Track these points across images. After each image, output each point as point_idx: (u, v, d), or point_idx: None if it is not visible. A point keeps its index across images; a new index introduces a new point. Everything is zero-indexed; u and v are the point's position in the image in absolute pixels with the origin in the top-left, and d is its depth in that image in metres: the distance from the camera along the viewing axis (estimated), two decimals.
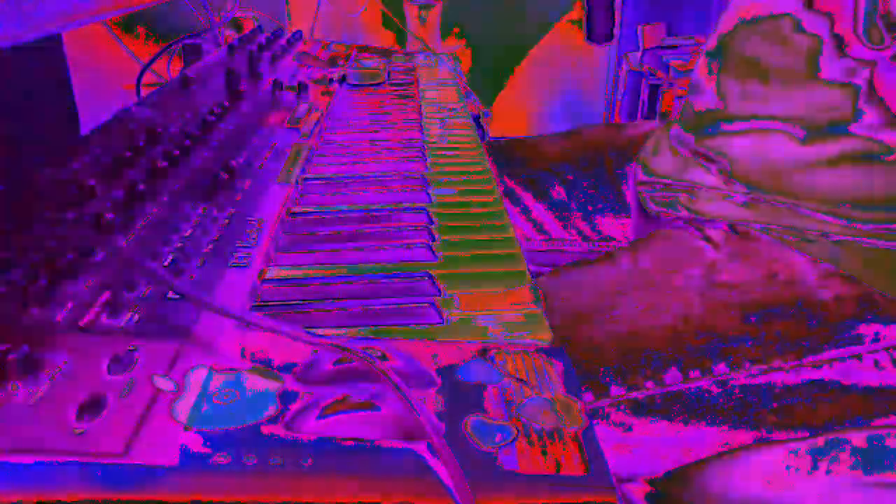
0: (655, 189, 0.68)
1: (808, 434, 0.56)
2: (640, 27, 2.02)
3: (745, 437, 0.57)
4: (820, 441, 0.55)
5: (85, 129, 0.66)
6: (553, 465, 0.29)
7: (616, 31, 2.02)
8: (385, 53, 1.13)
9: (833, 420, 0.56)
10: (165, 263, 0.44)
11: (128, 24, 1.05)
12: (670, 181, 0.66)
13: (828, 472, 0.54)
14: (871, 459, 0.54)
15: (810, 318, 0.55)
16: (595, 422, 0.31)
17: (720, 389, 0.56)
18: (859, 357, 0.55)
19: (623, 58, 2.05)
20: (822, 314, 0.55)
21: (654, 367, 0.56)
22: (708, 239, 0.60)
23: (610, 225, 0.80)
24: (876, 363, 0.55)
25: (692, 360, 0.56)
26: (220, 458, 0.28)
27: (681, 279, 0.58)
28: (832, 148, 0.57)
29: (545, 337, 0.39)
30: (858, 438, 0.55)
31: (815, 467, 0.54)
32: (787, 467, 0.55)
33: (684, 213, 0.64)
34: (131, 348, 0.34)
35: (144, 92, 0.89)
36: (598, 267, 0.64)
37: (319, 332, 0.35)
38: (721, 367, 0.56)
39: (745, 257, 0.58)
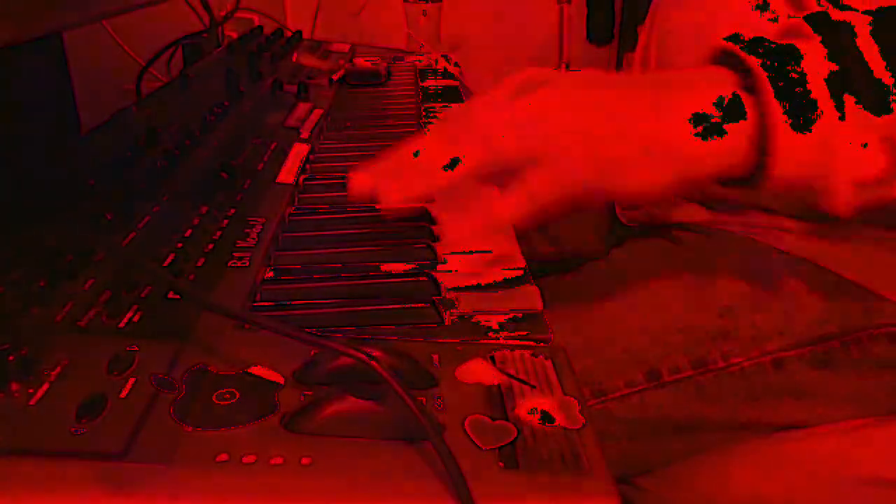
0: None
1: (792, 428, 0.56)
2: (640, 27, 2.02)
3: (731, 432, 0.57)
4: (803, 434, 0.55)
5: (85, 129, 0.66)
6: (553, 466, 0.29)
7: (616, 31, 2.02)
8: (385, 53, 1.13)
9: (817, 414, 0.56)
10: (165, 263, 0.44)
11: (128, 24, 1.05)
12: None
13: (815, 466, 0.54)
14: (852, 455, 0.54)
15: (783, 306, 0.56)
16: (592, 422, 0.31)
17: (704, 386, 0.56)
18: (835, 345, 0.55)
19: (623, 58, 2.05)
20: (794, 302, 0.56)
21: (638, 368, 0.56)
22: (679, 240, 0.61)
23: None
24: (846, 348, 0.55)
25: (674, 358, 0.56)
26: (220, 459, 0.28)
27: (656, 280, 0.59)
28: None
29: (545, 337, 0.39)
30: (840, 432, 0.55)
31: (801, 461, 0.54)
32: (775, 462, 0.55)
33: (654, 220, 0.65)
34: (131, 348, 0.34)
35: (144, 92, 0.89)
36: (575, 274, 0.64)
37: (319, 332, 0.35)
38: (703, 361, 0.56)
39: (714, 254, 0.59)
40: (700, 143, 0.41)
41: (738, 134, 0.41)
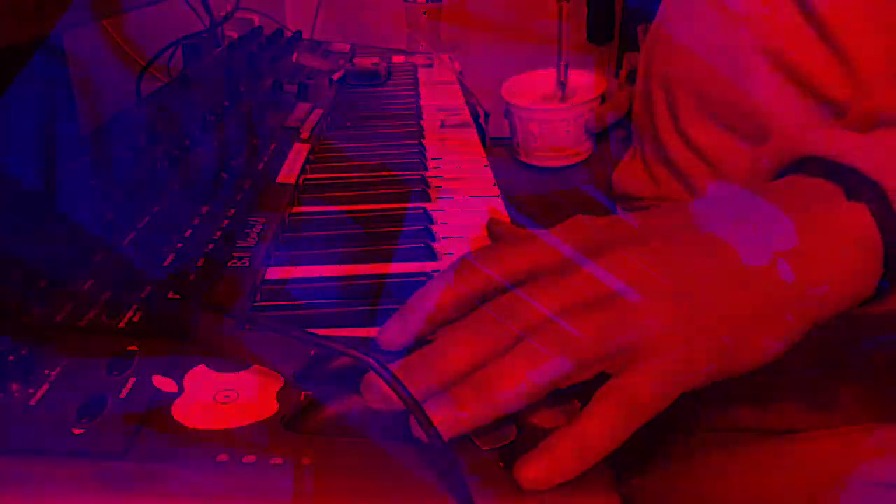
0: (633, 206, 0.68)
1: (794, 432, 0.56)
2: (640, 27, 2.02)
3: (731, 433, 0.57)
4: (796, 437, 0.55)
5: (85, 130, 0.66)
6: None
7: (616, 31, 2.02)
8: (385, 53, 1.13)
9: (819, 418, 0.56)
10: (165, 263, 0.44)
11: (128, 24, 1.05)
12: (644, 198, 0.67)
13: (815, 467, 0.54)
14: (853, 457, 0.54)
15: None
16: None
17: (705, 388, 0.56)
18: (839, 351, 0.55)
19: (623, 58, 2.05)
20: None
21: None
22: None
23: None
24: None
25: None
26: (220, 459, 0.28)
27: None
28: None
29: None
30: (842, 435, 0.55)
31: (801, 463, 0.54)
32: (775, 463, 0.55)
33: None
34: (131, 348, 0.34)
35: (144, 92, 0.89)
36: None
37: (319, 332, 0.35)
38: None
39: None
40: (845, 277, 0.35)
41: (877, 252, 0.35)
